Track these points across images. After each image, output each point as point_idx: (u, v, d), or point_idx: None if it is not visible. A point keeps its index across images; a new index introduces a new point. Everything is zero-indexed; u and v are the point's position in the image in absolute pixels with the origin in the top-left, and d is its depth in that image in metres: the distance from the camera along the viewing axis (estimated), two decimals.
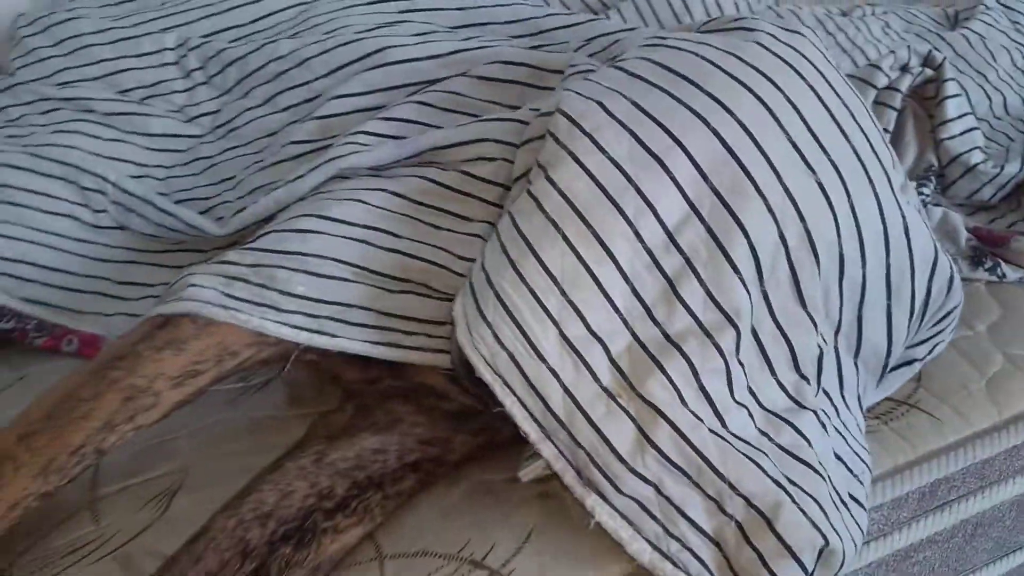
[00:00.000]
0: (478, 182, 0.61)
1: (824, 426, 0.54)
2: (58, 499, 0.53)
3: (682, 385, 0.50)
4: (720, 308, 0.51)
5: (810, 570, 0.49)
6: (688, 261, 0.51)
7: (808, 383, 0.54)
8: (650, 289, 0.51)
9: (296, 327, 0.55)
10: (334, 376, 0.63)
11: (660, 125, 0.52)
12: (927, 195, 0.74)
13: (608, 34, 0.77)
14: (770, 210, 0.51)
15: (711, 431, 0.50)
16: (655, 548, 0.50)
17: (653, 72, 0.55)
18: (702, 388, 0.51)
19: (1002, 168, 0.74)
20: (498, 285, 0.51)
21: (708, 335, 0.51)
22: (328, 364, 0.61)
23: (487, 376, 0.50)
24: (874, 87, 0.74)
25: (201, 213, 0.76)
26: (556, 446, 0.50)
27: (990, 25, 1.04)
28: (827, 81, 0.55)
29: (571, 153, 0.52)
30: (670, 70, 0.55)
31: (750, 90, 0.53)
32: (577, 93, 0.55)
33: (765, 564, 0.48)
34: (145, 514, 0.56)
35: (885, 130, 0.72)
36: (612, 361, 0.50)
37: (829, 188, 0.53)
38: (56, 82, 0.86)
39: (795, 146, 0.52)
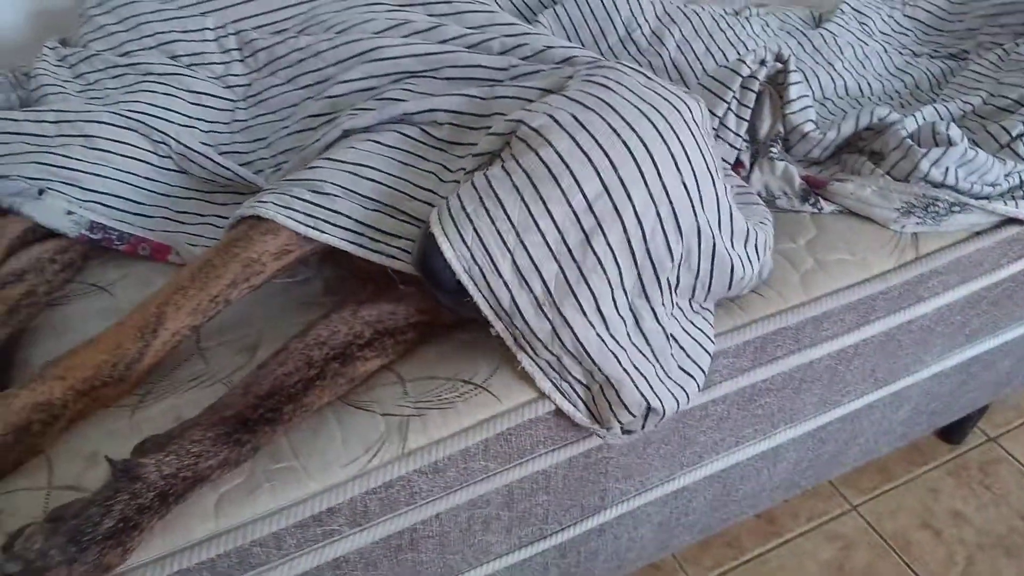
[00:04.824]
0: (432, 138, 0.90)
1: (663, 327, 0.81)
2: (177, 351, 0.78)
3: (586, 306, 0.76)
4: (614, 255, 0.75)
5: (637, 417, 0.79)
6: (599, 222, 0.74)
7: (662, 303, 0.81)
8: (573, 237, 0.74)
9: (298, 222, 0.80)
10: (358, 267, 0.88)
11: (590, 133, 0.75)
12: (775, 153, 1.03)
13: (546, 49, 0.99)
14: (651, 197, 0.75)
15: (597, 335, 0.77)
16: (555, 386, 0.80)
17: (585, 99, 0.78)
18: (598, 309, 0.76)
19: (824, 135, 1.04)
20: (476, 223, 0.74)
21: (606, 273, 0.75)
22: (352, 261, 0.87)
23: (464, 279, 0.74)
24: (740, 75, 1.01)
25: (241, 165, 1.00)
26: (504, 325, 0.77)
27: (842, 26, 1.34)
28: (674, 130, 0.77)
29: (532, 148, 0.75)
30: (597, 99, 0.77)
31: (639, 128, 0.76)
32: (533, 111, 0.78)
33: (612, 410, 0.80)
34: (239, 358, 0.82)
35: (746, 106, 1.01)
36: (544, 283, 0.75)
37: (690, 188, 0.77)
38: (121, 52, 1.06)
39: (656, 167, 0.75)
